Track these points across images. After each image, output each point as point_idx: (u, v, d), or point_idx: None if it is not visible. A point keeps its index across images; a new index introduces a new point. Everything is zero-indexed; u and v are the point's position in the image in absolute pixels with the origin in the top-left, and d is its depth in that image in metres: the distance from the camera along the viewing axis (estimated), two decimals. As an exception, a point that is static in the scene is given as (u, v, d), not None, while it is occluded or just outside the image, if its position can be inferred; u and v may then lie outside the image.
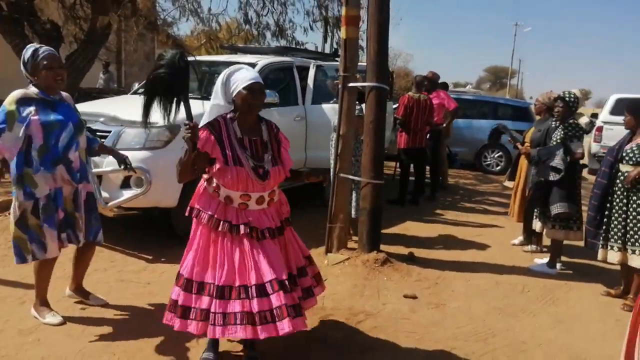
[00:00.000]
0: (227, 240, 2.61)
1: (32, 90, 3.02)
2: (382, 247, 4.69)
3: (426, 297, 3.98)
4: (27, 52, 3.01)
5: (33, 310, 3.27)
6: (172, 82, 2.54)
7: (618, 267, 4.18)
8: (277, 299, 2.50)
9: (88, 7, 10.09)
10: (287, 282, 2.58)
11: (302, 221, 5.63)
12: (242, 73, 2.61)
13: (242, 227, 2.57)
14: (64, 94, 3.20)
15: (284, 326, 2.48)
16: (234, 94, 2.58)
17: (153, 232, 5.08)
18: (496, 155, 10.37)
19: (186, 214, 2.77)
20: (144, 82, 2.63)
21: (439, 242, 5.45)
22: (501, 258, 5.04)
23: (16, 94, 2.98)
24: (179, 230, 4.77)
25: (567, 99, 4.49)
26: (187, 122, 2.45)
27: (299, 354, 3.04)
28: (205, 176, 2.71)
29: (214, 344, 2.83)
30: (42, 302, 3.26)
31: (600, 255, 4.07)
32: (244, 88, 2.56)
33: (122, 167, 3.41)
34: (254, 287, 2.54)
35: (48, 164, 2.98)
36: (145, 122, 2.61)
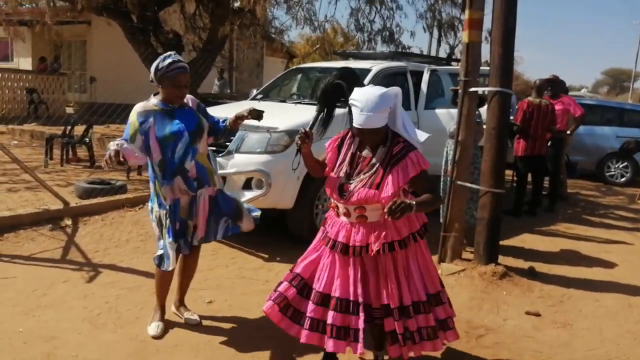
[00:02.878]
0: (323, 245, 2.70)
1: (152, 102, 3.05)
2: (500, 259, 4.49)
3: (551, 315, 3.74)
4: (164, 61, 2.96)
5: (173, 307, 3.45)
6: (333, 92, 2.65)
7: None
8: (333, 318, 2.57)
9: (207, 17, 10.77)
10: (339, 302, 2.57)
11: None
12: (357, 112, 2.44)
13: (330, 241, 2.63)
14: (188, 97, 3.15)
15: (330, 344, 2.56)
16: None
17: (269, 233, 5.26)
18: (621, 166, 9.54)
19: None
20: (319, 95, 2.75)
21: (561, 257, 5.10)
22: (632, 278, 4.62)
23: (137, 108, 3.04)
24: (293, 231, 4.92)
25: None
26: (305, 129, 2.59)
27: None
28: None
29: (328, 357, 2.80)
30: (159, 307, 3.32)
31: None
32: (356, 125, 2.47)
33: (257, 119, 3.19)
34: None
35: (168, 176, 3.02)
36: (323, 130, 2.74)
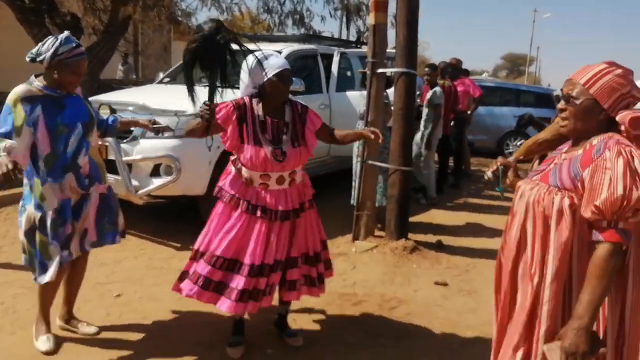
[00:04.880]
0: (247, 219, 2.63)
1: (36, 85, 2.62)
2: (410, 235, 4.67)
3: (457, 284, 3.96)
4: (66, 44, 2.58)
5: (59, 322, 3.03)
6: (204, 56, 2.40)
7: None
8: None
9: (107, -2, 10.14)
10: (267, 268, 2.66)
11: (327, 210, 5.65)
12: (272, 60, 2.61)
13: (258, 211, 2.62)
14: None
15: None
16: (263, 80, 2.58)
17: (179, 221, 5.11)
18: (519, 143, 10.25)
19: (214, 193, 2.77)
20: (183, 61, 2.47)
21: (466, 230, 5.40)
22: (530, 245, 4.98)
23: (19, 91, 2.57)
24: (205, 218, 4.79)
25: None
26: (207, 102, 2.47)
27: (334, 339, 3.05)
28: (232, 157, 2.76)
29: (239, 326, 2.88)
30: (43, 321, 2.89)
31: None
32: (275, 75, 2.58)
33: (154, 127, 3.00)
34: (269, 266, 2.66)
35: (57, 173, 2.64)
36: (192, 95, 2.48)
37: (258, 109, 2.65)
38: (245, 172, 2.65)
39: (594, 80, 1.59)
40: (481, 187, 7.63)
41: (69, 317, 3.04)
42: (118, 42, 9.96)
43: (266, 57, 2.61)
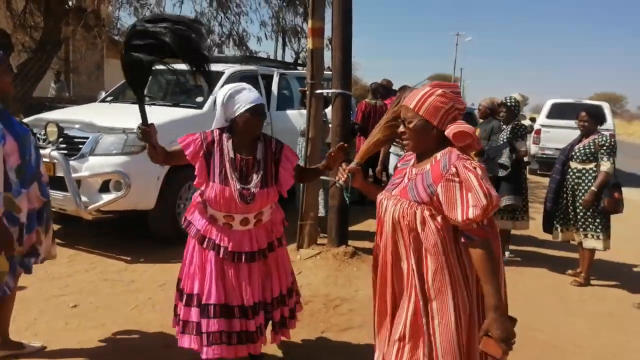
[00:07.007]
0: (212, 257, 2.55)
1: None
2: (349, 241, 5.05)
3: (393, 284, 4.35)
4: None
5: None
6: (129, 72, 2.38)
7: (560, 254, 4.76)
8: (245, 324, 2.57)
9: (39, 15, 10.02)
10: (250, 309, 2.57)
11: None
12: (245, 94, 2.52)
13: (221, 250, 2.53)
14: None
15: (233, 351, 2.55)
16: (235, 115, 2.50)
17: (128, 235, 5.22)
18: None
19: (183, 226, 2.69)
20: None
21: (399, 236, 5.84)
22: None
23: None
24: (155, 231, 4.97)
25: (508, 104, 5.05)
26: (141, 126, 2.42)
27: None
28: (198, 191, 2.64)
29: None
30: None
31: (560, 237, 4.75)
32: (247, 110, 2.49)
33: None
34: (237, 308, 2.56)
35: (26, 183, 2.64)
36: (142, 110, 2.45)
37: (228, 144, 2.53)
38: (209, 209, 2.57)
39: (421, 103, 1.81)
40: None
41: (4, 341, 2.89)
42: (52, 60, 9.84)
43: (239, 91, 2.53)
